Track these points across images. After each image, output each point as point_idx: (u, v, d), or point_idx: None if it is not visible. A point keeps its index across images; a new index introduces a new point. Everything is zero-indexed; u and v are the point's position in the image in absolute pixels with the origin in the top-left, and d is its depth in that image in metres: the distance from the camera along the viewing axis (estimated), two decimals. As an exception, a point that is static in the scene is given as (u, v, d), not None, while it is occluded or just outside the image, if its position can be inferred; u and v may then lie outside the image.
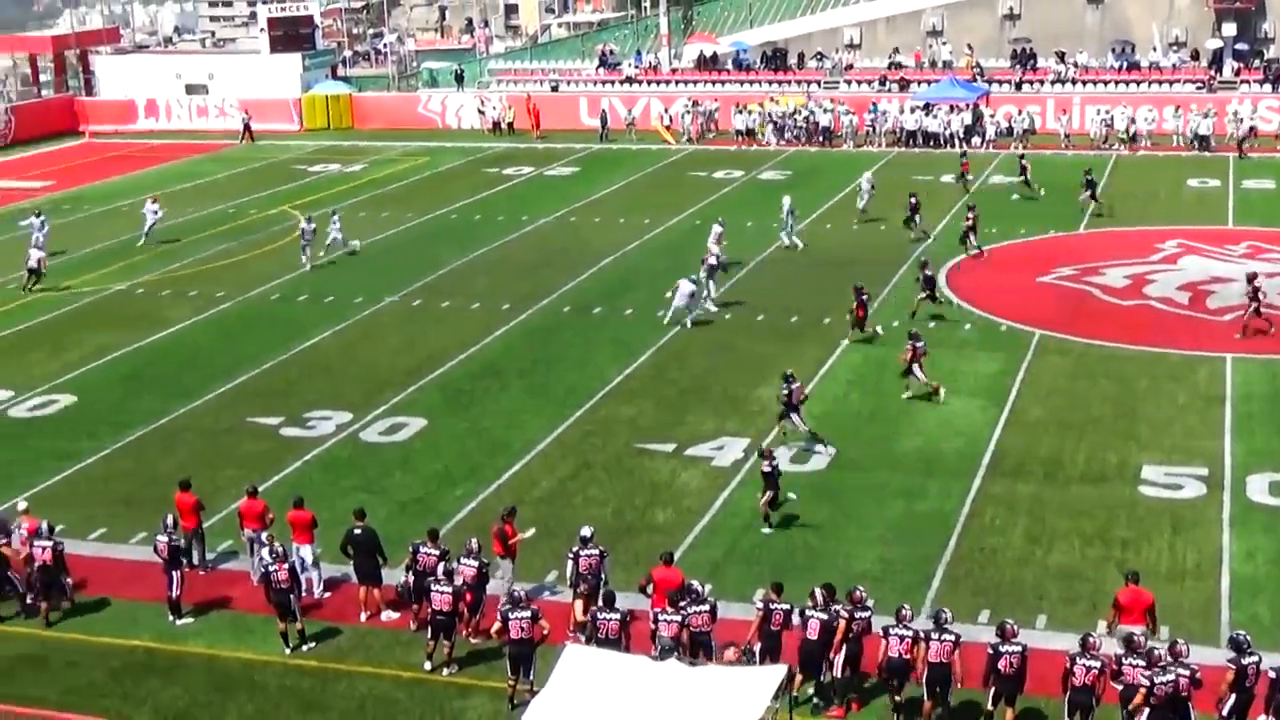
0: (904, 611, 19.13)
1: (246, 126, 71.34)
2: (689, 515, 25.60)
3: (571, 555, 21.37)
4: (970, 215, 42.97)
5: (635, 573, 22.83)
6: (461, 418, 30.93)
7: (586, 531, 21.63)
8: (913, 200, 45.79)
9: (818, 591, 19.60)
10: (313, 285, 42.40)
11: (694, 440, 29.11)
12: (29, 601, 22.69)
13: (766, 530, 24.79)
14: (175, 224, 51.38)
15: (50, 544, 22.43)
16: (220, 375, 34.10)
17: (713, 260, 38.96)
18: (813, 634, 19.23)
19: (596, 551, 21.33)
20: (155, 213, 48.55)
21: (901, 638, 18.82)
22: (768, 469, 24.93)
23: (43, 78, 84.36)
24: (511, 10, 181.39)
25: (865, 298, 35.19)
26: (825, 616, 19.24)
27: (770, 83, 71.94)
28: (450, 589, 20.56)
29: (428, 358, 34.32)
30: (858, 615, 19.44)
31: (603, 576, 21.07)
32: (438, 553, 21.50)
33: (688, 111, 66.99)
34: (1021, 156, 53.96)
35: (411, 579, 21.74)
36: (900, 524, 25.01)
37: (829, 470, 27.52)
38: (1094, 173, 50.08)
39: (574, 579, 21.29)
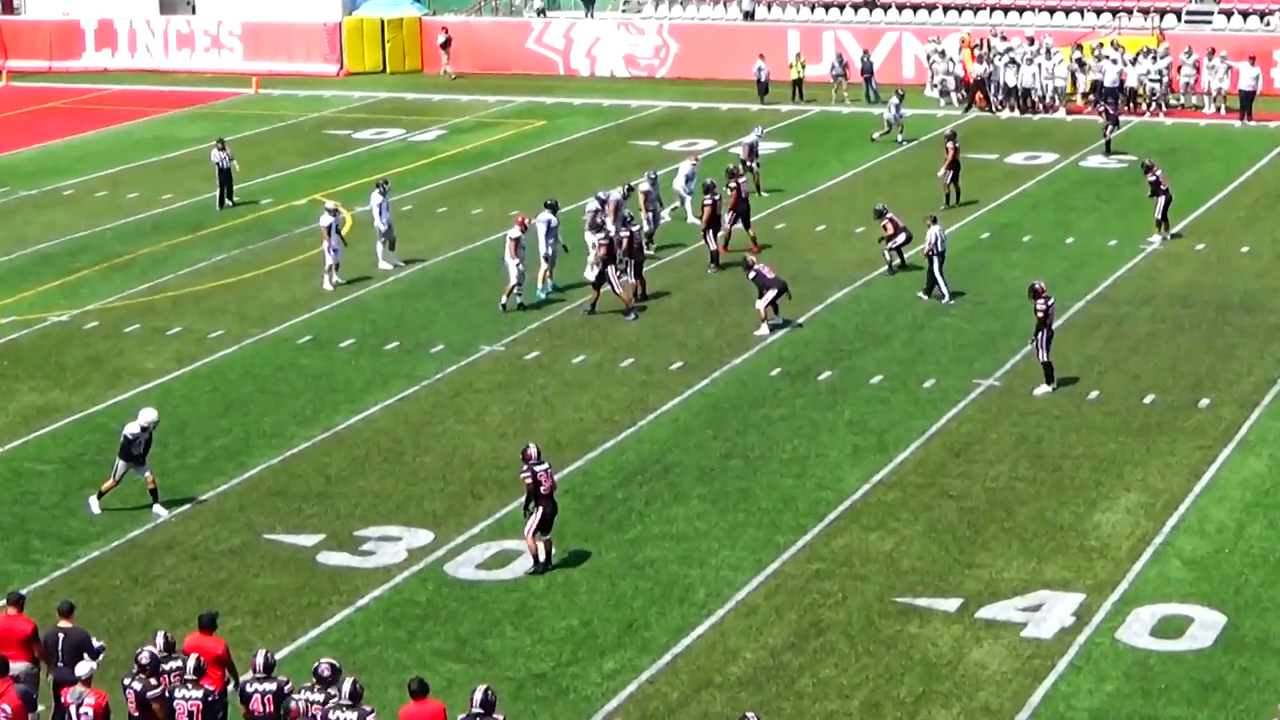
0: None
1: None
2: (987, 718, 25.29)
3: None
4: None
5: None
6: (609, 544, 30.99)
7: None
8: None
9: None
10: (363, 323, 42.86)
11: (991, 594, 28.82)
12: None
13: None
14: (140, 219, 52.41)
15: None
16: (220, 465, 34.51)
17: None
18: None
19: None
20: None
21: None
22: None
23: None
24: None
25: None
26: None
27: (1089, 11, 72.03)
28: None
29: (552, 445, 34.39)
30: None
31: None
32: None
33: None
34: None
35: None
36: (1333, 738, 24.51)
37: (1217, 651, 27.00)
38: None
39: None
